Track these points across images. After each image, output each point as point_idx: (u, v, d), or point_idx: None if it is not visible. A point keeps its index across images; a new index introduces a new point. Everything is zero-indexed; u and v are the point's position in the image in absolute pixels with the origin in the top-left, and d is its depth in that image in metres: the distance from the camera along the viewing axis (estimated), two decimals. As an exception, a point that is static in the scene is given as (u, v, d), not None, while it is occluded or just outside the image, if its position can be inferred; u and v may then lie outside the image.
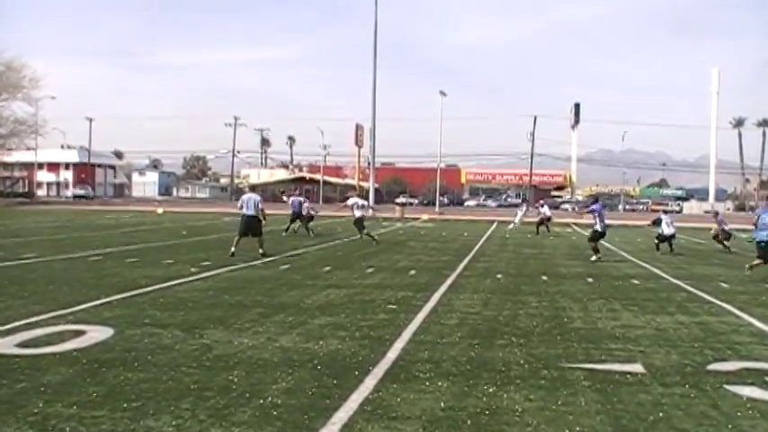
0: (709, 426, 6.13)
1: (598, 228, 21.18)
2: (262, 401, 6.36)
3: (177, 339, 8.87)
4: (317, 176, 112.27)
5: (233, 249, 20.00)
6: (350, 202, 27.25)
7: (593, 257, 21.04)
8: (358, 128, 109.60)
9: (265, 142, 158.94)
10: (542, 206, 38.12)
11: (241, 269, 16.96)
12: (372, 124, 61.39)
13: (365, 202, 29.45)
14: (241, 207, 20.87)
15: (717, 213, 31.33)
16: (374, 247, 24.80)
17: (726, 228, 29.22)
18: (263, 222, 20.93)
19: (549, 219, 37.84)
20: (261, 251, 20.04)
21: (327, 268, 17.39)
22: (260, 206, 20.56)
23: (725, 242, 28.86)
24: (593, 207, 22.43)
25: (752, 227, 19.47)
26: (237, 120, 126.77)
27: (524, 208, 48.16)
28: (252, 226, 20.56)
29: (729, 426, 6.14)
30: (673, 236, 25.88)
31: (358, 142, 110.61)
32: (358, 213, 26.71)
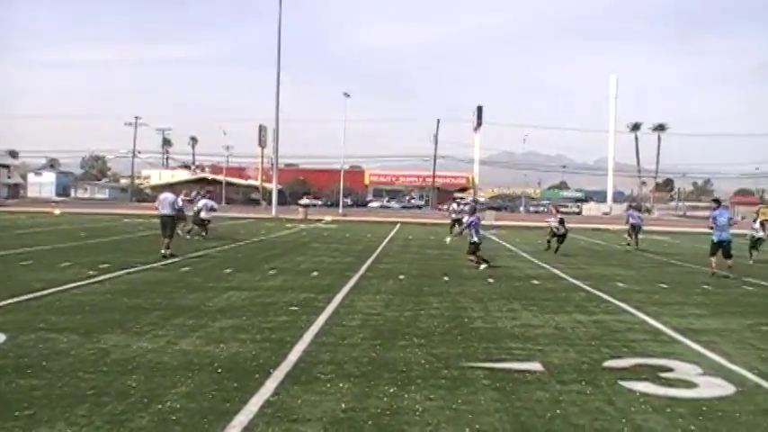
0: (603, 421, 6.34)
1: (475, 239, 20.33)
2: (160, 406, 6.27)
3: (73, 344, 8.65)
4: (220, 177, 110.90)
5: (162, 251, 20.00)
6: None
7: (481, 267, 19.65)
8: (261, 128, 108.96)
9: (167, 142, 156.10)
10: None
11: (141, 272, 16.64)
12: (276, 125, 60.97)
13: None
14: (157, 207, 20.94)
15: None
16: (278, 249, 24.66)
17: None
18: (183, 223, 20.90)
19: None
20: (164, 251, 19.88)
21: (229, 270, 17.23)
22: (177, 205, 20.52)
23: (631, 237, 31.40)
24: (470, 221, 21.05)
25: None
26: (138, 119, 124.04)
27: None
28: (165, 225, 20.54)
29: (623, 420, 6.37)
30: (563, 235, 26.37)
31: (261, 143, 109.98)
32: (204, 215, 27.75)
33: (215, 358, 8.10)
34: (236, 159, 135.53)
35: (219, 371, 7.55)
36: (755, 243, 26.49)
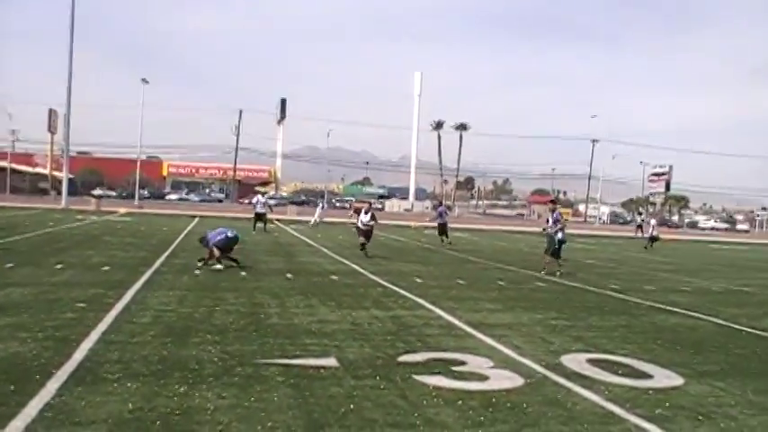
0: (396, 415, 6.51)
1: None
2: (-76, 412, 5.88)
3: None
4: (4, 164, 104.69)
5: None
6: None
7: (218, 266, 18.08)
8: (51, 113, 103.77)
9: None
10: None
11: None
12: (67, 110, 58.22)
13: None
14: None
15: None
16: (63, 242, 23.65)
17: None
18: None
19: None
20: None
21: (10, 265, 16.30)
22: None
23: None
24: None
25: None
26: None
27: (322, 206, 51.19)
28: None
29: (416, 414, 6.56)
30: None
31: (51, 128, 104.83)
32: None
33: (-10, 359, 7.67)
34: (23, 145, 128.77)
35: (-5, 372, 7.16)
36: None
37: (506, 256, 29.18)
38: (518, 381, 7.99)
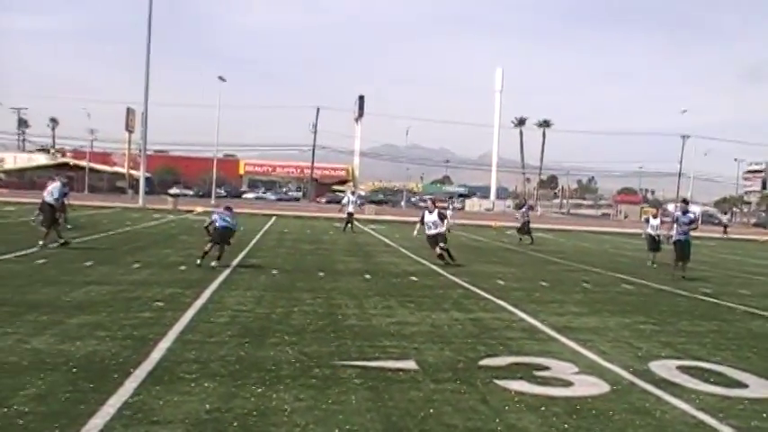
0: (477, 420, 6.48)
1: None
2: (6, 410, 6.05)
3: None
4: (83, 163, 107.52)
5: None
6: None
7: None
8: (129, 112, 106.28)
9: (23, 123, 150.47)
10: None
11: (-11, 264, 16.03)
12: (145, 108, 59.44)
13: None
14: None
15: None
16: (141, 241, 24.16)
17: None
18: (60, 214, 20.88)
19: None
20: (42, 242, 19.85)
21: (89, 263, 16.75)
22: (56, 194, 20.85)
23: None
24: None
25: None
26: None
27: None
28: (43, 212, 20.73)
29: (497, 420, 6.52)
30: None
31: (129, 127, 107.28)
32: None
33: (70, 357, 7.87)
34: (102, 144, 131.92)
35: (75, 371, 7.34)
36: (657, 243, 25.93)
37: (591, 257, 28.81)
38: (604, 387, 7.88)
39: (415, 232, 22.34)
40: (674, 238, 21.59)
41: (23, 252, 18.33)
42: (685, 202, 23.89)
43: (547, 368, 8.55)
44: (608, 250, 34.75)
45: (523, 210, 35.32)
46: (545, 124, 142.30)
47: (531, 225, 35.49)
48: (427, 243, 22.01)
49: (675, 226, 21.56)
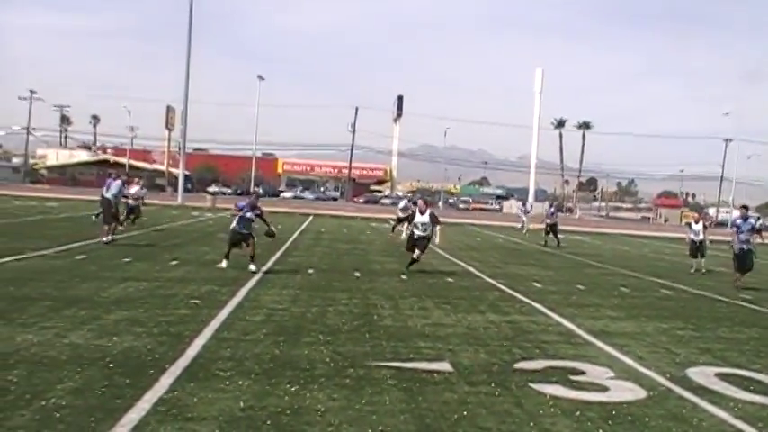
0: (511, 423, 6.46)
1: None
2: (44, 403, 6.13)
3: (-50, 335, 8.42)
4: (123, 160, 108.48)
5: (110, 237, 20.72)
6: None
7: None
8: (169, 110, 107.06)
9: (65, 120, 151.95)
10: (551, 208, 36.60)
11: (30, 258, 16.20)
12: (184, 106, 59.95)
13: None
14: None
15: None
16: (179, 238, 24.37)
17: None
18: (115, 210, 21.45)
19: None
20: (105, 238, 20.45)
21: (128, 259, 16.94)
22: (116, 191, 21.29)
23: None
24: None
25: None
26: (33, 93, 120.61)
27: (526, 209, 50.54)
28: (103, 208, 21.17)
29: (531, 423, 6.49)
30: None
31: (168, 125, 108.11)
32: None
33: (107, 352, 7.97)
34: (141, 141, 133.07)
35: (111, 366, 7.42)
36: (699, 248, 25.17)
37: (630, 261, 28.58)
38: (640, 393, 7.81)
39: (394, 230, 20.91)
40: (735, 248, 20.24)
41: (64, 248, 18.58)
42: (745, 207, 21.88)
43: (582, 372, 8.51)
44: (647, 254, 34.46)
45: (551, 210, 35.03)
46: (585, 126, 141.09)
47: (565, 228, 35.46)
48: (406, 244, 19.71)
49: (736, 235, 20.24)
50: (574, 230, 52.29)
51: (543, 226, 35.44)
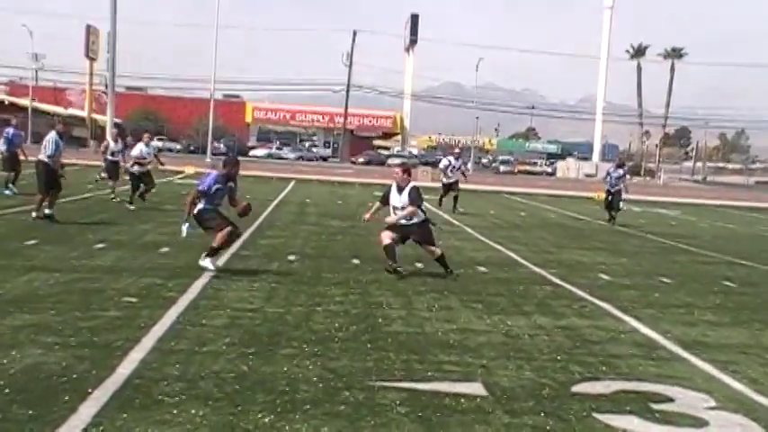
0: (568, 470, 6.46)
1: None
2: None
3: None
4: (25, 101, 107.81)
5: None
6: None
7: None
8: (90, 31, 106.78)
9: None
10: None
11: None
12: (112, 26, 59.73)
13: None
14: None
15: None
16: (107, 213, 24.39)
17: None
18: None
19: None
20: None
21: (33, 242, 16.94)
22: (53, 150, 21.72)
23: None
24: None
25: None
26: None
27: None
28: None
29: (596, 470, 6.49)
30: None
31: (90, 52, 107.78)
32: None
33: (1, 373, 7.98)
34: (51, 76, 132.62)
35: (7, 391, 7.44)
36: None
37: (738, 244, 28.57)
38: (753, 430, 7.80)
39: (368, 215, 17.41)
40: None
41: None
42: None
43: (670, 399, 8.52)
44: (763, 234, 34.44)
45: (621, 172, 33.97)
46: (674, 54, 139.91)
47: (643, 198, 34.97)
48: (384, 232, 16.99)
49: None
50: (656, 201, 52.13)
51: (604, 195, 34.71)
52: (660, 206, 44.33)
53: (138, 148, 27.46)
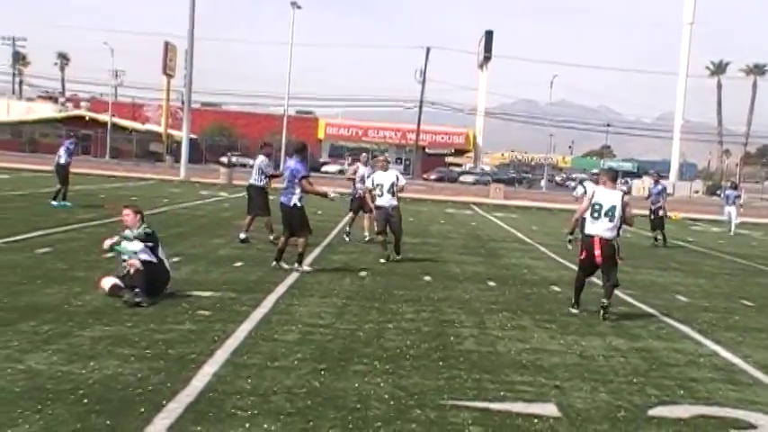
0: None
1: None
2: (-13, 455, 6.21)
3: None
4: (104, 117, 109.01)
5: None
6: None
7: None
8: (168, 48, 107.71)
9: (20, 59, 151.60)
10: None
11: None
12: (190, 43, 60.27)
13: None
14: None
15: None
16: (185, 227, 24.58)
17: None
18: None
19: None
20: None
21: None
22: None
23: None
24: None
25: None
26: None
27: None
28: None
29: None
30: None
31: (167, 69, 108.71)
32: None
33: (80, 383, 8.06)
34: (129, 92, 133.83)
35: (86, 402, 7.51)
36: None
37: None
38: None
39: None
40: None
41: (20, 237, 18.80)
42: None
43: (752, 426, 8.41)
44: None
45: (659, 188, 32.64)
46: (756, 70, 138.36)
47: (719, 217, 34.15)
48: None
49: None
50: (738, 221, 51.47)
51: (647, 213, 32.68)
52: (741, 227, 43.67)
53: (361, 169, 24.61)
